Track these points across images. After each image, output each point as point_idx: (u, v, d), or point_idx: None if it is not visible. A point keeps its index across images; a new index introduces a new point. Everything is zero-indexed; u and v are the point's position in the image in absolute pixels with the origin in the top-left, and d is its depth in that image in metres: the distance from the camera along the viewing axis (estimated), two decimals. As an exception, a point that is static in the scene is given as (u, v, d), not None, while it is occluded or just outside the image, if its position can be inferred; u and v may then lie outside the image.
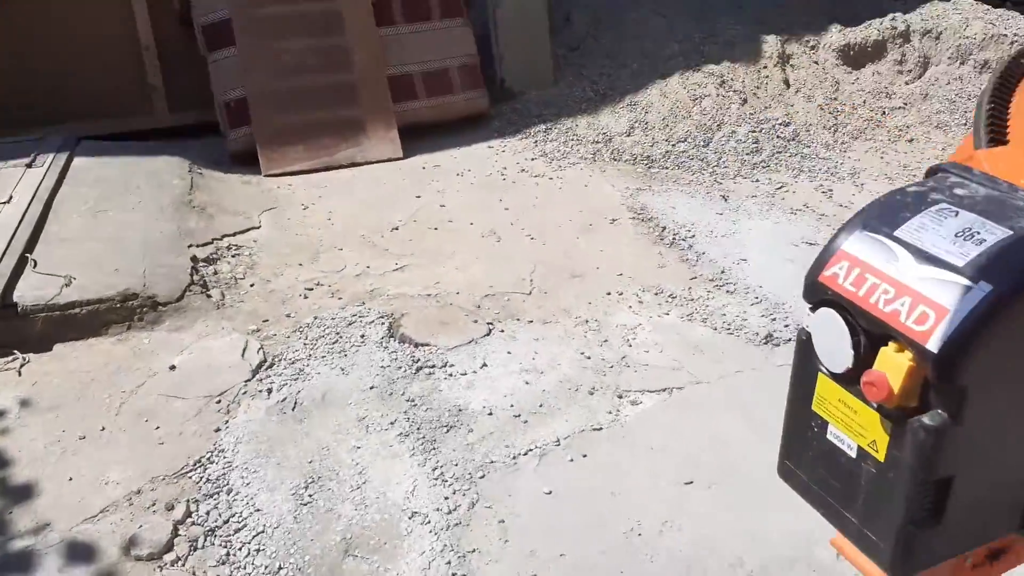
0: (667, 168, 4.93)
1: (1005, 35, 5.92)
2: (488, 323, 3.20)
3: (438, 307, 3.31)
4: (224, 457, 2.51)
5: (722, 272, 3.73)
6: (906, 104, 5.75)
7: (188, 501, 2.34)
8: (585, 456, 2.53)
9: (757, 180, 4.84)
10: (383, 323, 3.17)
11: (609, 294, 3.51)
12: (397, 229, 4.00)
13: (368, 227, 4.01)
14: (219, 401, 2.74)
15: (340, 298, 3.39)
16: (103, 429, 2.64)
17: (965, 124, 5.61)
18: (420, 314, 3.25)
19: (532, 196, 4.41)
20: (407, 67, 5.06)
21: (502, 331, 3.16)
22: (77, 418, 2.68)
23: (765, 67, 5.67)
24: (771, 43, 5.75)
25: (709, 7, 6.15)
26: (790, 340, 3.24)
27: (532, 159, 4.88)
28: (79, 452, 2.54)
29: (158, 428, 2.63)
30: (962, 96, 5.79)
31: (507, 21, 5.49)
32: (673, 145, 5.09)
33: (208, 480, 2.42)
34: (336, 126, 4.77)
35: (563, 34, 5.93)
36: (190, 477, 2.44)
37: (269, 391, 2.79)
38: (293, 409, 2.70)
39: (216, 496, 2.36)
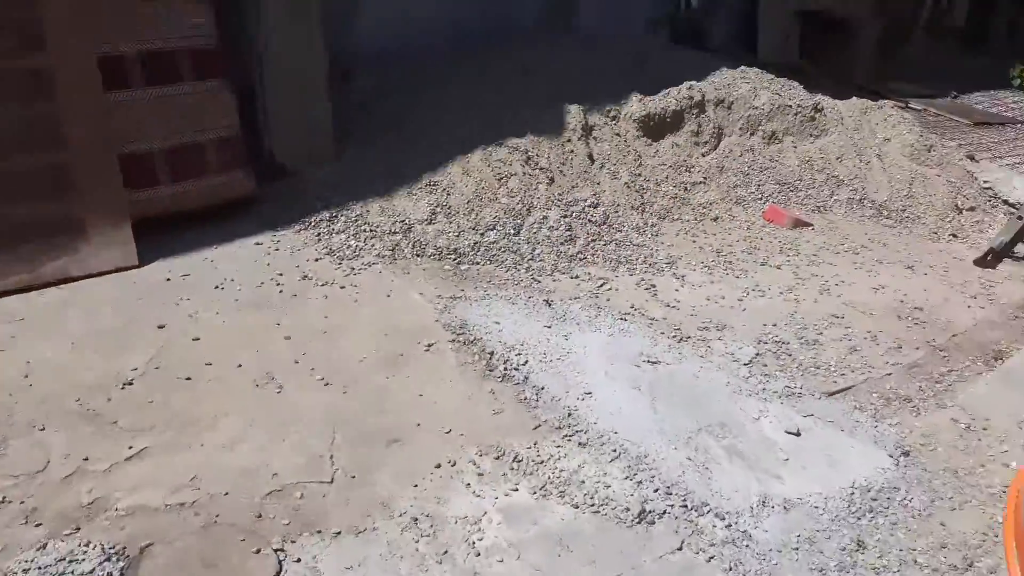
0: (479, 264, 4.24)
1: (789, 105, 6.00)
2: (276, 550, 2.24)
3: (198, 530, 2.28)
4: None
5: (568, 414, 3.06)
6: (706, 178, 5.57)
7: None
8: None
9: (576, 276, 4.29)
10: (110, 574, 2.09)
11: (439, 466, 2.69)
12: (131, 384, 2.88)
13: (86, 384, 2.85)
14: None
15: (39, 524, 2.24)
16: None
17: (760, 199, 5.54)
18: (171, 548, 2.20)
19: (321, 316, 3.48)
20: (146, 143, 3.89)
21: (298, 561, 2.22)
22: None
23: (569, 140, 5.20)
24: (574, 113, 5.31)
25: (508, 72, 5.62)
26: (666, 513, 2.64)
27: (316, 259, 3.94)
28: None
29: None
30: (754, 169, 5.74)
31: (278, 82, 4.50)
32: (482, 235, 4.41)
33: None
34: (41, 226, 3.50)
35: (346, 99, 5.04)
36: None
37: None
38: None
39: None
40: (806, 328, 4.03)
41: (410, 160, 4.73)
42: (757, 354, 3.75)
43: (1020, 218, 4.95)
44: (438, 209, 4.47)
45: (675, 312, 4.06)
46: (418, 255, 4.18)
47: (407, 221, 4.35)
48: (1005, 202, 5.71)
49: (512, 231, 4.50)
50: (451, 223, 4.44)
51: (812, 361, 3.76)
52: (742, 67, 6.23)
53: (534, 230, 4.56)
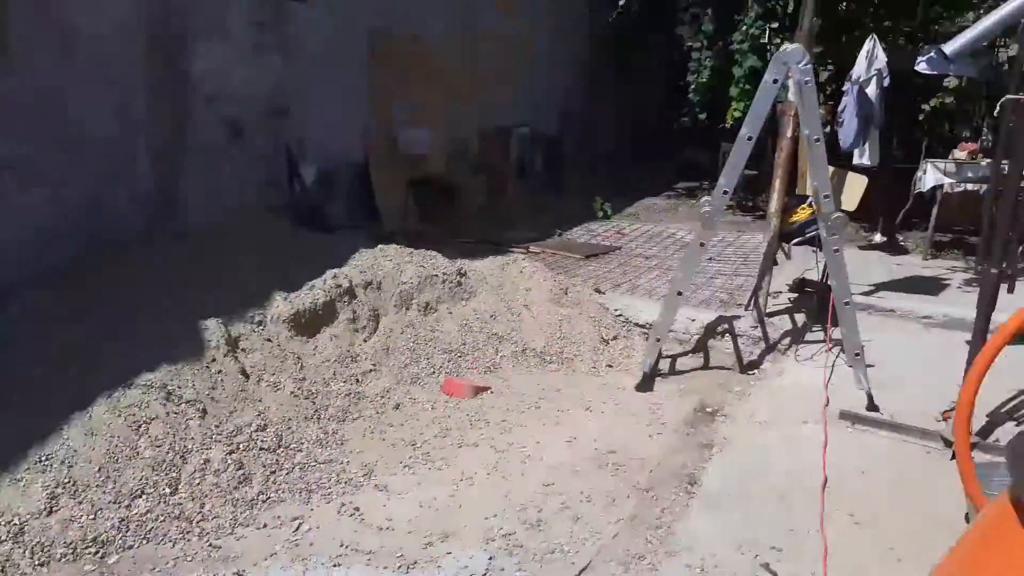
0: (132, 547, 3.30)
1: (435, 275, 6.02)
2: None
3: None
4: None
5: None
6: (375, 364, 5.25)
7: None
8: None
9: (265, 524, 3.58)
10: None
11: None
12: None
13: None
14: None
15: None
16: None
17: (433, 373, 5.37)
18: None
19: None
20: None
21: None
22: None
23: (214, 360, 4.51)
24: (213, 328, 4.65)
25: (118, 295, 4.75)
26: None
27: None
28: None
29: None
30: (419, 343, 5.59)
31: None
32: (128, 507, 3.48)
33: None
34: None
35: None
36: None
37: None
38: None
39: None
40: (526, 509, 3.81)
41: (5, 435, 3.61)
42: (491, 558, 3.40)
43: (658, 340, 5.45)
44: (59, 490, 3.44)
45: (391, 535, 3.55)
46: (43, 564, 3.11)
47: (17, 520, 3.25)
48: (637, 325, 6.33)
49: (168, 490, 3.64)
50: (81, 504, 3.43)
51: (545, 547, 3.51)
52: (380, 245, 6.17)
53: (196, 481, 3.74)
